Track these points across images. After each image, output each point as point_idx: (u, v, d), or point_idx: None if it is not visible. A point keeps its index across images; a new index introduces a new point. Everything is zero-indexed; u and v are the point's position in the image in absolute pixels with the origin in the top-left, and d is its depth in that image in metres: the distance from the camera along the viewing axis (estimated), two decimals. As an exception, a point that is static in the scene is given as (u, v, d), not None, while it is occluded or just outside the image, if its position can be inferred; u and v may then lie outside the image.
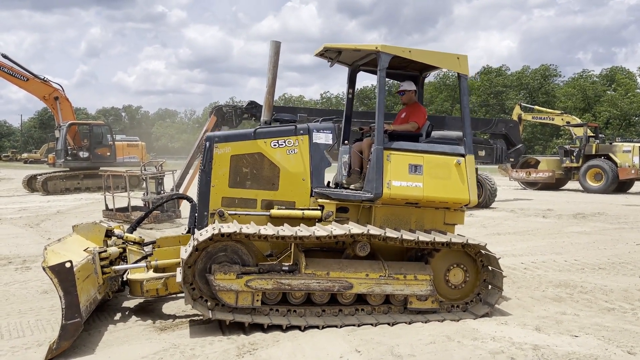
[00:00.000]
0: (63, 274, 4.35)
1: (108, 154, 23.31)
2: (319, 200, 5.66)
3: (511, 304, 5.82)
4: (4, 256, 8.54)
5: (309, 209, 5.65)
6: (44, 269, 4.38)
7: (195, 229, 5.59)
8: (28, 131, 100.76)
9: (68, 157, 22.20)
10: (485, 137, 19.49)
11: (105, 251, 5.44)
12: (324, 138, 5.76)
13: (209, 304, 4.93)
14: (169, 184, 13.19)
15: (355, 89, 6.96)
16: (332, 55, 6.22)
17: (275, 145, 5.69)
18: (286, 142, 5.70)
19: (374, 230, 5.11)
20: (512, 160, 18.99)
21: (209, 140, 5.69)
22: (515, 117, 25.68)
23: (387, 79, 5.94)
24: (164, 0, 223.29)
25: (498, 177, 28.62)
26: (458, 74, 5.84)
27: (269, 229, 5.03)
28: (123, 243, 6.05)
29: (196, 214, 5.72)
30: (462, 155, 5.74)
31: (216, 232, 4.80)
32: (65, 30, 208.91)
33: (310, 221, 5.62)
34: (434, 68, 6.29)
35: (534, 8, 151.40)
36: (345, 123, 7.06)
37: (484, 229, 11.73)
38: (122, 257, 5.99)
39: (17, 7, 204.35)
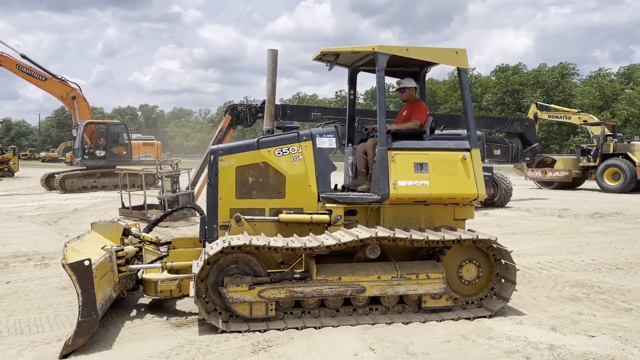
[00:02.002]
0: (81, 272, 4.42)
1: (124, 152, 23.56)
2: (327, 204, 5.67)
3: (527, 304, 5.78)
4: (23, 253, 8.69)
5: (317, 213, 5.66)
6: (63, 266, 4.46)
7: (206, 242, 5.62)
8: (46, 130, 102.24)
9: (85, 156, 22.49)
10: (500, 136, 19.36)
11: (122, 250, 5.51)
12: (327, 142, 5.76)
13: (222, 316, 4.97)
14: (184, 182, 13.30)
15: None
16: (330, 58, 6.25)
17: (279, 153, 5.70)
18: (290, 150, 5.70)
19: (382, 232, 5.10)
20: (528, 159, 18.84)
21: (213, 153, 5.70)
22: (531, 116, 25.41)
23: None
24: (180, 0, 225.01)
25: (514, 177, 28.36)
26: (458, 68, 5.85)
27: (278, 241, 5.05)
28: (139, 242, 6.12)
29: (206, 227, 5.74)
30: (468, 150, 5.73)
31: (226, 245, 4.82)
32: (83, 31, 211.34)
33: (319, 226, 5.63)
34: (433, 64, 6.30)
35: (550, 6, 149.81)
36: (349, 124, 7.07)
37: (499, 228, 11.64)
38: (137, 256, 6.06)
39: (35, 8, 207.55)
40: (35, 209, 15.51)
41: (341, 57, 6.24)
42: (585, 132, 33.16)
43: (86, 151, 22.50)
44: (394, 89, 6.93)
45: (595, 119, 26.93)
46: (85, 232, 6.16)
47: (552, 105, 30.53)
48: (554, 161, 24.59)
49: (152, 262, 5.82)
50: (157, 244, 6.22)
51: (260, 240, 4.97)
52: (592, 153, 23.25)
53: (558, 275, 7.17)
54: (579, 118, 26.68)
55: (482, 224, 12.19)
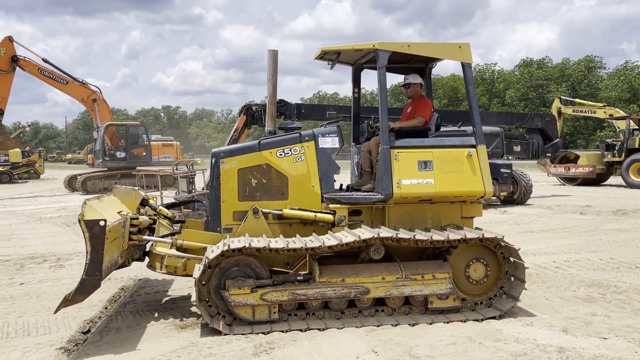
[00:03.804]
0: (95, 231, 4.44)
1: (144, 153, 23.82)
2: (331, 205, 5.59)
3: (539, 304, 5.63)
4: (40, 254, 8.83)
5: (321, 212, 5.59)
6: (79, 221, 4.47)
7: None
8: (72, 132, 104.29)
9: (106, 158, 22.81)
10: (521, 132, 19.02)
11: (137, 219, 5.53)
12: (330, 142, 5.69)
13: (226, 319, 4.94)
14: (200, 183, 13.38)
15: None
16: (331, 57, 6.18)
17: (281, 154, 5.64)
18: (292, 150, 5.64)
19: (385, 232, 5.01)
20: (549, 155, 18.48)
21: (215, 156, 5.68)
22: (554, 111, 24.94)
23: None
24: (202, 2, 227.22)
25: (537, 173, 27.91)
26: (462, 63, 5.73)
27: (279, 242, 5.00)
28: (155, 215, 6.16)
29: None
30: (473, 146, 5.61)
31: (226, 248, 4.79)
32: (107, 34, 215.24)
33: (323, 227, 5.57)
34: (438, 59, 6.20)
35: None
36: (354, 123, 6.99)
37: (516, 226, 11.41)
38: (150, 228, 6.08)
39: (61, 13, 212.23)
40: (57, 210, 15.79)
41: (343, 55, 6.18)
42: (612, 126, 32.38)
43: (107, 153, 22.83)
44: (400, 84, 6.82)
45: (622, 113, 26.24)
46: (105, 194, 6.18)
47: (577, 100, 29.92)
48: (577, 157, 24.04)
49: (163, 236, 5.82)
50: (171, 219, 6.25)
51: (260, 242, 4.93)
52: (617, 148, 22.67)
53: (574, 274, 6.97)
54: (605, 112, 26.06)
55: (500, 222, 11.99)
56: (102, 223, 4.46)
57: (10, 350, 4.51)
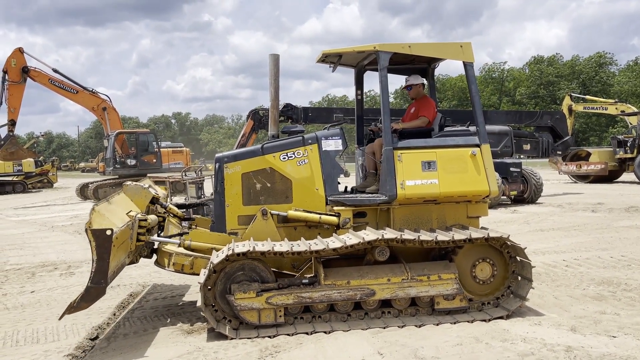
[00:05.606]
0: (101, 240, 4.42)
1: (154, 160, 23.94)
2: (335, 207, 5.59)
3: (547, 304, 5.58)
4: (51, 262, 8.92)
5: (326, 214, 5.58)
6: (86, 230, 4.48)
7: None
8: (85, 141, 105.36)
9: (117, 165, 22.95)
10: (530, 130, 18.89)
11: (146, 220, 5.52)
12: (333, 145, 5.68)
13: (232, 323, 4.95)
14: (209, 189, 13.44)
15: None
16: (333, 59, 6.20)
17: (284, 158, 5.65)
18: (295, 154, 5.65)
19: (389, 234, 5.00)
20: (559, 152, 18.34)
21: (218, 161, 5.70)
22: (565, 108, 24.75)
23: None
24: (211, 8, 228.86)
25: (548, 171, 27.64)
26: (463, 62, 5.71)
27: (284, 245, 5.00)
28: (164, 212, 6.20)
29: None
30: (477, 146, 5.58)
31: (230, 252, 4.80)
32: (118, 43, 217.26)
33: (328, 229, 5.57)
34: (440, 59, 6.20)
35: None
36: (358, 125, 6.99)
37: (527, 226, 11.32)
38: (159, 226, 6.10)
39: (73, 24, 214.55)
40: (68, 218, 15.94)
41: (345, 57, 6.17)
42: (625, 122, 32.02)
43: (117, 160, 22.99)
44: (402, 87, 6.84)
45: (633, 109, 25.97)
46: (115, 193, 6.19)
47: (588, 97, 29.68)
48: (588, 154, 23.80)
49: (171, 236, 5.84)
50: (181, 218, 6.28)
51: (265, 245, 4.93)
52: (629, 144, 22.42)
53: (584, 272, 6.90)
54: (616, 108, 25.79)
55: (510, 222, 11.90)
56: (108, 232, 4.44)
57: (19, 358, 4.57)
